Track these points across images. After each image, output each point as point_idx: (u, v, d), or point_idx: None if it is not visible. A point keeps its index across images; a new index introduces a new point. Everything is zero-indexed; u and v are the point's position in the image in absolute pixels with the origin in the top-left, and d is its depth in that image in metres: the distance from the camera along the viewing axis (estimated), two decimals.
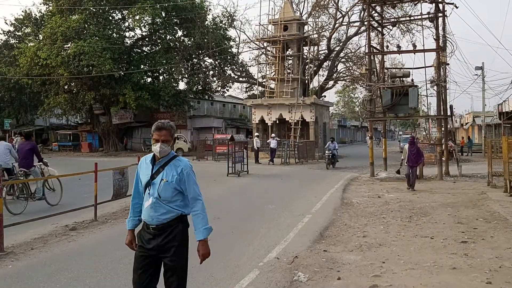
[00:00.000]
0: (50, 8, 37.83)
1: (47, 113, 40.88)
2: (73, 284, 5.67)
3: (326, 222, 9.46)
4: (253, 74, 41.48)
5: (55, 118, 45.05)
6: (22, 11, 41.00)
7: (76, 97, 37.74)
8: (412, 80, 19.17)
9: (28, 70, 35.59)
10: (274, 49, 33.36)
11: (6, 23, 42.70)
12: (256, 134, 28.93)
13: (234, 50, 41.25)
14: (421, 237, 7.91)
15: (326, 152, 23.69)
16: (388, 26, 22.73)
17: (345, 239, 7.92)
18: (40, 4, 39.22)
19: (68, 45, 34.32)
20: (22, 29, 42.12)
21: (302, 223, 9.35)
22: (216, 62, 40.65)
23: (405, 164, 14.29)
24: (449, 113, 19.80)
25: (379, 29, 21.59)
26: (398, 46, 20.44)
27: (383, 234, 8.21)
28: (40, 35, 37.78)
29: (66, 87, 38.15)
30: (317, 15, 36.60)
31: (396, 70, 22.10)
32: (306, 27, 34.46)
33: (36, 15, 40.79)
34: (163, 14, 36.69)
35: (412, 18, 22.94)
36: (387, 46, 21.16)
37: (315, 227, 8.92)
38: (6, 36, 42.78)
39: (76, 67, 32.97)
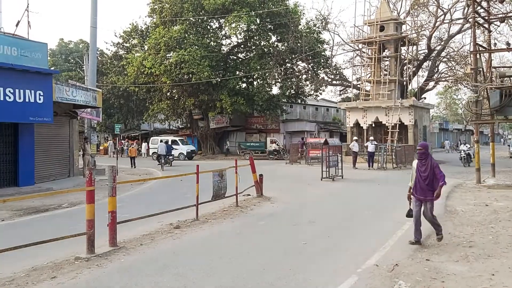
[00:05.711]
0: (154, 20, 40.45)
1: (151, 118, 44.10)
2: (179, 280, 6.01)
3: (428, 230, 8.97)
4: (347, 77, 40.71)
5: (158, 123, 48.40)
6: (130, 24, 44.23)
7: (177, 103, 39.98)
8: None
9: (135, 78, 38.52)
10: (369, 50, 32.52)
11: (116, 36, 46.47)
12: (355, 138, 28.22)
13: (327, 53, 40.87)
14: None
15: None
16: (496, 22, 21.10)
17: (449, 249, 7.49)
18: (146, 16, 42.19)
19: (170, 54, 36.48)
20: (130, 40, 45.52)
21: (402, 230, 9.00)
22: (309, 66, 40.56)
23: (412, 195, 8.04)
24: None
25: (485, 25, 20.13)
26: (508, 43, 18.87)
27: (492, 245, 7.64)
28: (145, 46, 40.57)
29: (168, 94, 40.68)
30: (416, 13, 35.00)
31: (506, 69, 20.38)
32: (404, 26, 33.15)
33: (142, 27, 43.88)
34: (258, 21, 37.47)
35: None
36: (495, 44, 19.54)
37: None
38: (116, 48, 46.68)
39: (177, 75, 34.93)
